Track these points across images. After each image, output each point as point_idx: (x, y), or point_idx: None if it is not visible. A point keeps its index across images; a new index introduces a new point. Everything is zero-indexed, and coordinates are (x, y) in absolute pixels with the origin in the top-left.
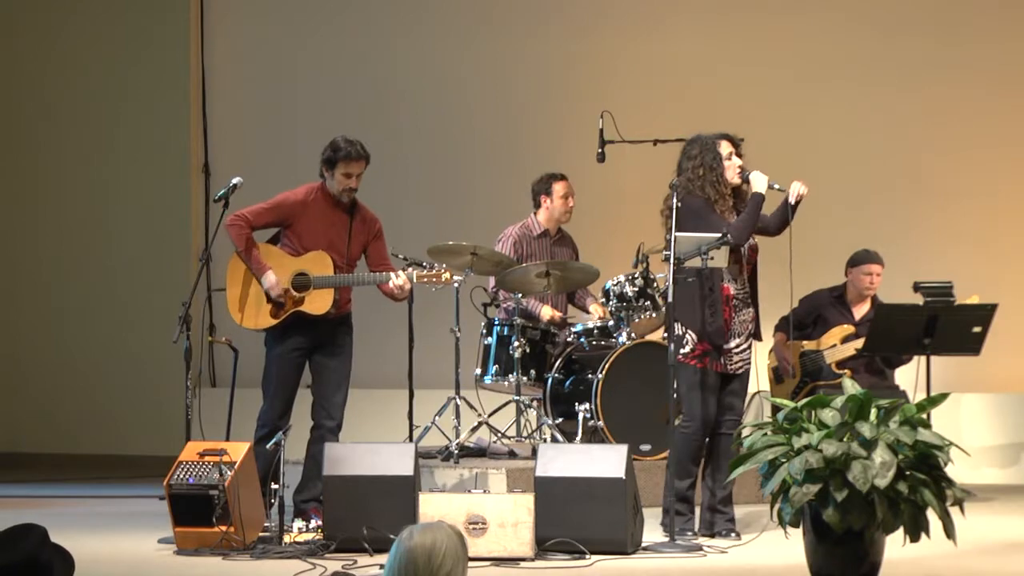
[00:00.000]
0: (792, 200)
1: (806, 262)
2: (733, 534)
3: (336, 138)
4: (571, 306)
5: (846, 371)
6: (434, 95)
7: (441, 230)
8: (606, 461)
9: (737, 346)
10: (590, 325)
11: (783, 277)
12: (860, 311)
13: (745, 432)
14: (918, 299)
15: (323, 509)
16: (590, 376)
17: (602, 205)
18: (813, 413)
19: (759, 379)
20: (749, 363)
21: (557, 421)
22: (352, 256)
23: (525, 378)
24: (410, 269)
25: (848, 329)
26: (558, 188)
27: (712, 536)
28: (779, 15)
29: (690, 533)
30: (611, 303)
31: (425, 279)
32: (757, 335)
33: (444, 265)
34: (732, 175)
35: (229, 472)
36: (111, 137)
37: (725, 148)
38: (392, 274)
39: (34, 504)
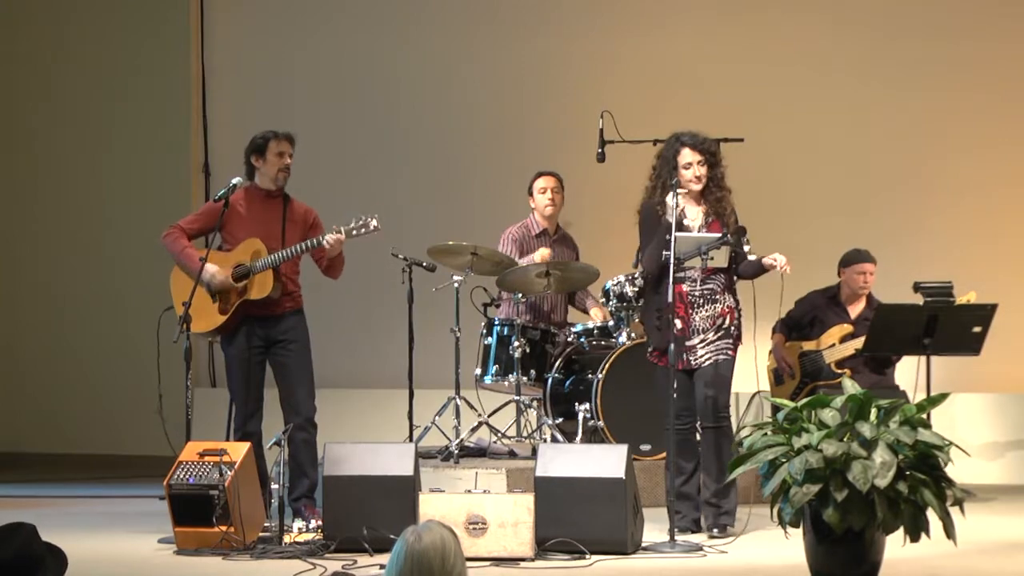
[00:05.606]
0: (767, 264)
1: (806, 261)
2: (716, 528)
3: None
4: (571, 307)
5: (846, 371)
6: (434, 95)
7: (441, 230)
8: (606, 461)
9: (702, 342)
10: (590, 325)
11: (779, 276)
12: (856, 310)
13: (745, 432)
14: (918, 299)
15: (323, 509)
16: (590, 376)
17: (602, 205)
18: (813, 413)
19: (759, 379)
20: (722, 353)
21: (557, 421)
22: (289, 244)
23: (525, 378)
24: (337, 226)
25: (847, 328)
26: (539, 183)
27: (710, 531)
28: (779, 15)
29: (689, 532)
30: (611, 303)
31: (355, 231)
32: (736, 332)
33: (374, 214)
34: (690, 185)
35: (229, 472)
36: (111, 137)
37: (686, 156)
38: (322, 236)
39: (34, 504)
